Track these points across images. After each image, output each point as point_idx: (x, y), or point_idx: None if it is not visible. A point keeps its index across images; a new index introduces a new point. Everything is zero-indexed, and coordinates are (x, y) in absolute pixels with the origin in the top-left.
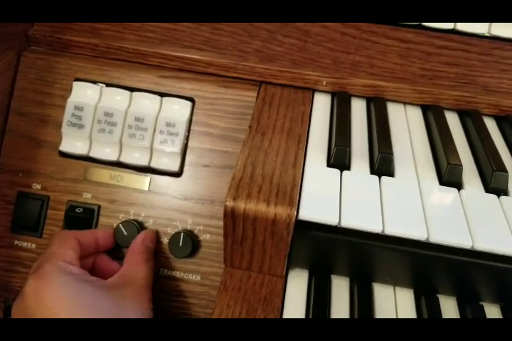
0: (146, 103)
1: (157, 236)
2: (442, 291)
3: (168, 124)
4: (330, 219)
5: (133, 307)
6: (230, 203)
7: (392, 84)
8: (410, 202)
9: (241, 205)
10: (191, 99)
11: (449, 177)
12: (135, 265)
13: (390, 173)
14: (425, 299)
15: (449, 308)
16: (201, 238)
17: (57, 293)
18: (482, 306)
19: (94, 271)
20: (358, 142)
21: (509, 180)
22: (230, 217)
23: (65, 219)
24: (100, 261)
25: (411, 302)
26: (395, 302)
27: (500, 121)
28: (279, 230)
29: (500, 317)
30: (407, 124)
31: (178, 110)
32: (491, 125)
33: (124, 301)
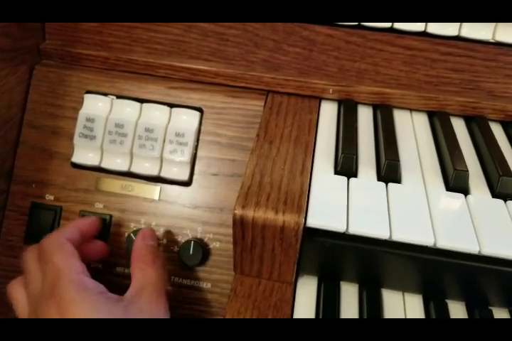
0: (155, 114)
1: (153, 231)
2: (451, 296)
3: (178, 134)
4: (337, 226)
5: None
6: (238, 211)
7: (398, 91)
8: (417, 208)
9: (250, 213)
10: (199, 109)
11: (456, 182)
12: (143, 270)
13: (397, 180)
14: (434, 304)
15: (457, 313)
16: (211, 246)
17: (79, 312)
18: (491, 311)
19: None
20: (364, 149)
21: None
22: (239, 225)
23: None
24: (85, 245)
25: (420, 308)
26: (404, 308)
27: (506, 126)
28: (288, 237)
29: None
30: (413, 131)
31: (186, 120)
32: (497, 130)
33: (140, 316)
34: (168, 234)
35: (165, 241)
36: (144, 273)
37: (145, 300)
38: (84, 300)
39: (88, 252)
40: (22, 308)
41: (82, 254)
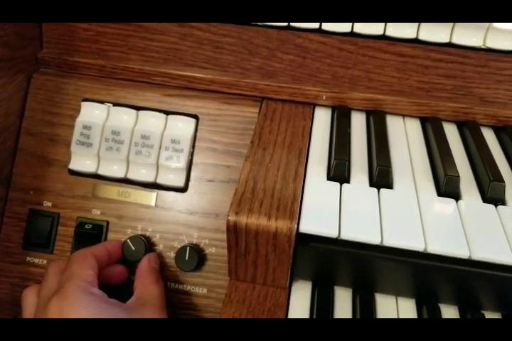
0: (151, 121)
1: (158, 257)
2: (443, 300)
3: (174, 141)
4: (330, 231)
5: None
6: (232, 218)
7: (391, 97)
8: (409, 213)
9: (243, 220)
10: (195, 116)
11: (447, 188)
12: (146, 286)
13: (389, 185)
14: (427, 308)
15: (450, 317)
16: (207, 251)
17: (80, 314)
18: (483, 315)
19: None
20: (357, 155)
21: (506, 190)
22: (233, 231)
23: (74, 236)
24: (107, 269)
25: (413, 312)
26: (397, 312)
27: (498, 131)
28: (281, 243)
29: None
30: (405, 136)
31: (182, 127)
32: (489, 135)
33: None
34: (165, 239)
35: (161, 246)
36: (148, 289)
37: (147, 311)
38: (87, 303)
39: (111, 275)
40: (29, 313)
41: (106, 277)
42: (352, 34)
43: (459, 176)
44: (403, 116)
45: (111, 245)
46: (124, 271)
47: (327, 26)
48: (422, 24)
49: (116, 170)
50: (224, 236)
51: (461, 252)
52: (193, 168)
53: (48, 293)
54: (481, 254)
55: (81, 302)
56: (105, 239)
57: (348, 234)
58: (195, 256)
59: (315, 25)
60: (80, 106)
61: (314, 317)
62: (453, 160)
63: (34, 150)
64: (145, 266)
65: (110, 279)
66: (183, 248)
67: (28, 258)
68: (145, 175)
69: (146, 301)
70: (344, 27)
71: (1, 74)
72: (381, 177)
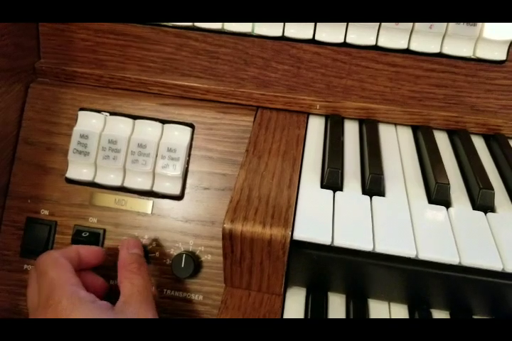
0: (148, 130)
1: (137, 240)
2: (435, 306)
3: (170, 150)
4: (323, 238)
5: None
6: (227, 225)
7: (383, 106)
8: (400, 220)
9: (238, 227)
10: (191, 125)
11: (438, 195)
12: (130, 279)
13: (381, 193)
14: (419, 314)
15: None
16: (203, 258)
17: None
18: None
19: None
20: (350, 163)
21: (496, 198)
22: (228, 238)
23: (72, 243)
24: (86, 278)
25: (405, 317)
26: (389, 318)
27: (488, 139)
28: (275, 250)
29: None
30: (397, 144)
31: (178, 136)
32: (479, 143)
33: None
34: (161, 247)
35: (157, 254)
36: (132, 282)
37: (133, 307)
38: (77, 309)
39: (85, 284)
40: None
41: (84, 285)
42: (345, 45)
43: (449, 184)
44: (395, 124)
45: (84, 250)
46: (104, 284)
47: (321, 37)
48: (413, 35)
49: (113, 179)
50: (219, 243)
51: (451, 258)
52: (188, 176)
53: (34, 299)
54: (470, 260)
55: (71, 309)
56: (102, 247)
57: (341, 241)
58: (191, 263)
59: (309, 35)
60: (77, 115)
61: None
62: (443, 168)
63: (32, 159)
64: (124, 255)
65: (86, 289)
66: (179, 255)
67: (25, 266)
68: (141, 183)
69: (130, 297)
70: (337, 37)
71: None
72: (373, 185)
